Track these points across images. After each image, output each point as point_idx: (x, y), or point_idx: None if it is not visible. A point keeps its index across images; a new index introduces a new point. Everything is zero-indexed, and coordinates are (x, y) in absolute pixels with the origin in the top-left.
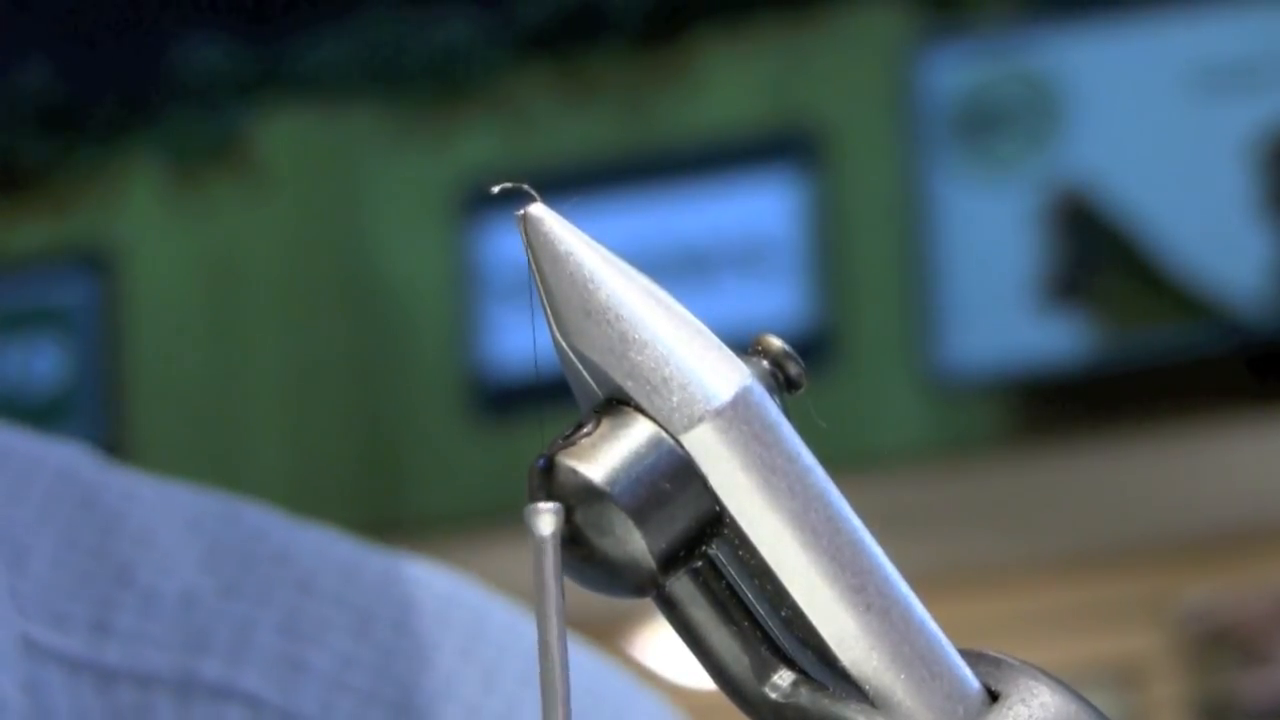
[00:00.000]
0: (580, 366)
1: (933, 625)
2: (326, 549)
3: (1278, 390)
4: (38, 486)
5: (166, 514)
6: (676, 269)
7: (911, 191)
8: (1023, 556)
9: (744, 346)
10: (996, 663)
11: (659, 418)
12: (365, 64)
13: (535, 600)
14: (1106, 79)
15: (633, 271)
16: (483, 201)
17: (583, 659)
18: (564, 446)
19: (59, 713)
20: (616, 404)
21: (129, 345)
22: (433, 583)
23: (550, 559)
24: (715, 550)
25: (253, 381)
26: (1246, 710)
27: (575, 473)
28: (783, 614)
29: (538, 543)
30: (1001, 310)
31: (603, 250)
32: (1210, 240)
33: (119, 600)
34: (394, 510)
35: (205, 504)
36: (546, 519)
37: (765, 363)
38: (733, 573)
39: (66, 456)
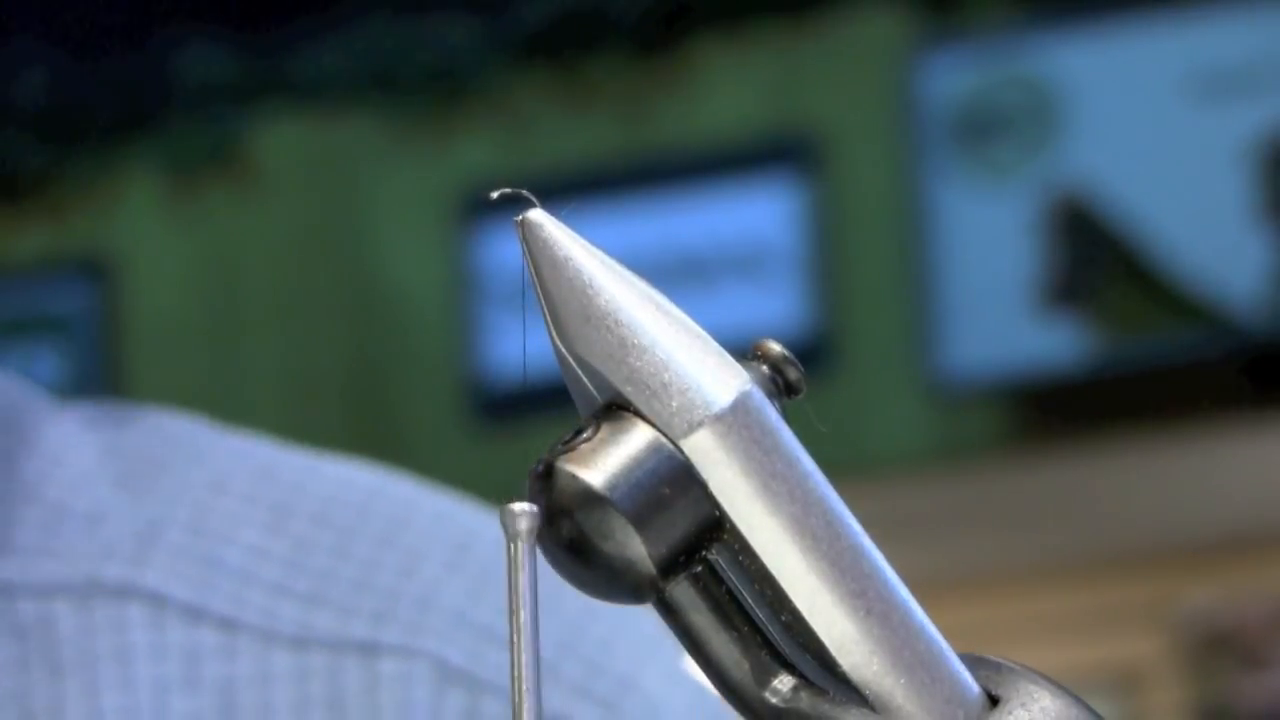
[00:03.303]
0: (579, 372)
1: (933, 630)
2: (243, 450)
3: (1277, 395)
4: None
5: (84, 437)
6: (675, 274)
7: (910, 196)
8: (1022, 561)
9: (743, 352)
10: (996, 667)
11: (658, 423)
12: (364, 70)
13: (507, 601)
14: (1105, 83)
15: (632, 276)
16: (482, 207)
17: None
18: (563, 451)
19: None
20: (616, 409)
21: (128, 353)
22: (355, 477)
23: (525, 559)
24: (715, 555)
25: (252, 389)
26: (1246, 715)
27: (575, 478)
28: (783, 619)
29: (511, 543)
30: (1001, 315)
31: (602, 255)
32: (1209, 245)
33: (22, 517)
34: None
35: (127, 425)
36: (522, 520)
37: (765, 368)
38: (733, 577)
39: None
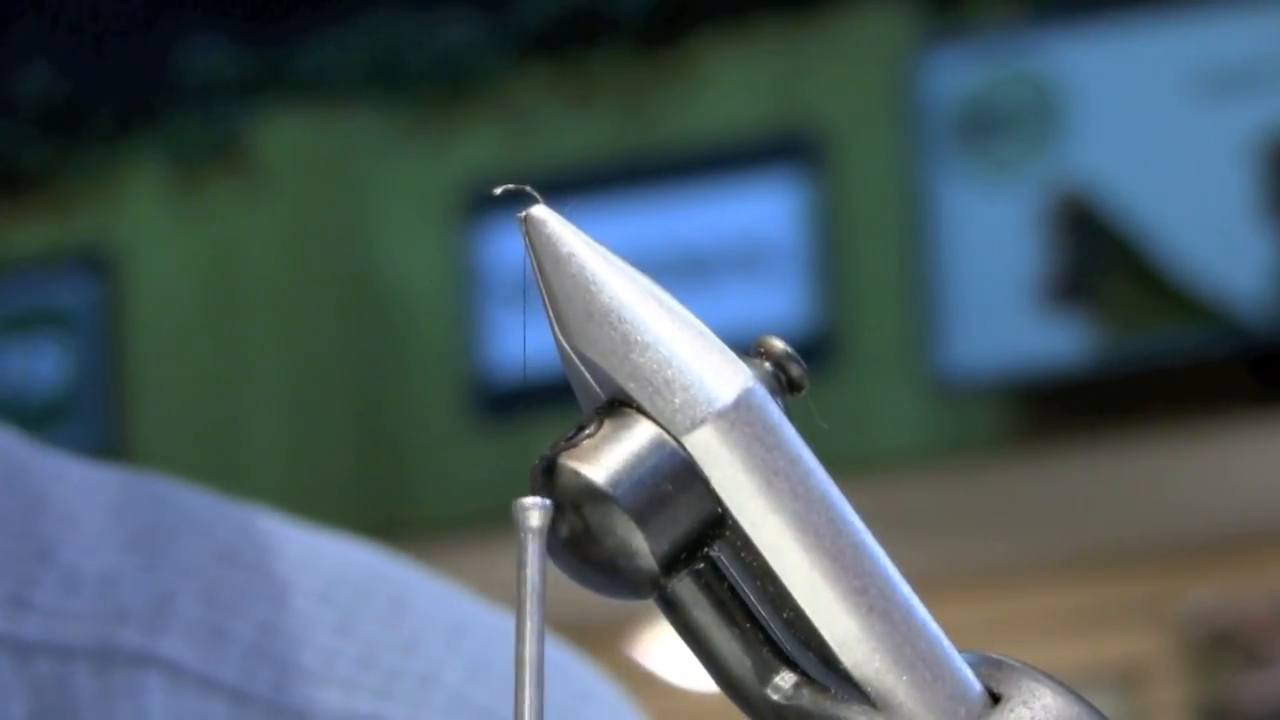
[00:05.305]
0: (582, 368)
1: (935, 627)
2: (249, 523)
3: (1278, 393)
4: None
5: (92, 497)
6: (678, 271)
7: (913, 194)
8: (1025, 559)
9: (746, 348)
10: (998, 665)
11: (661, 419)
12: (367, 66)
13: (516, 594)
14: (1108, 82)
15: (635, 273)
16: (484, 204)
17: (574, 666)
18: (566, 448)
19: None
20: (619, 405)
21: (130, 347)
22: (355, 556)
23: (536, 554)
24: (717, 552)
25: (253, 383)
26: (1248, 712)
27: (577, 474)
28: (785, 616)
29: (523, 537)
30: (1003, 313)
31: (605, 252)
32: (1211, 243)
33: (39, 577)
34: (395, 511)
35: (131, 488)
36: (534, 514)
37: (767, 364)
38: (735, 574)
39: None
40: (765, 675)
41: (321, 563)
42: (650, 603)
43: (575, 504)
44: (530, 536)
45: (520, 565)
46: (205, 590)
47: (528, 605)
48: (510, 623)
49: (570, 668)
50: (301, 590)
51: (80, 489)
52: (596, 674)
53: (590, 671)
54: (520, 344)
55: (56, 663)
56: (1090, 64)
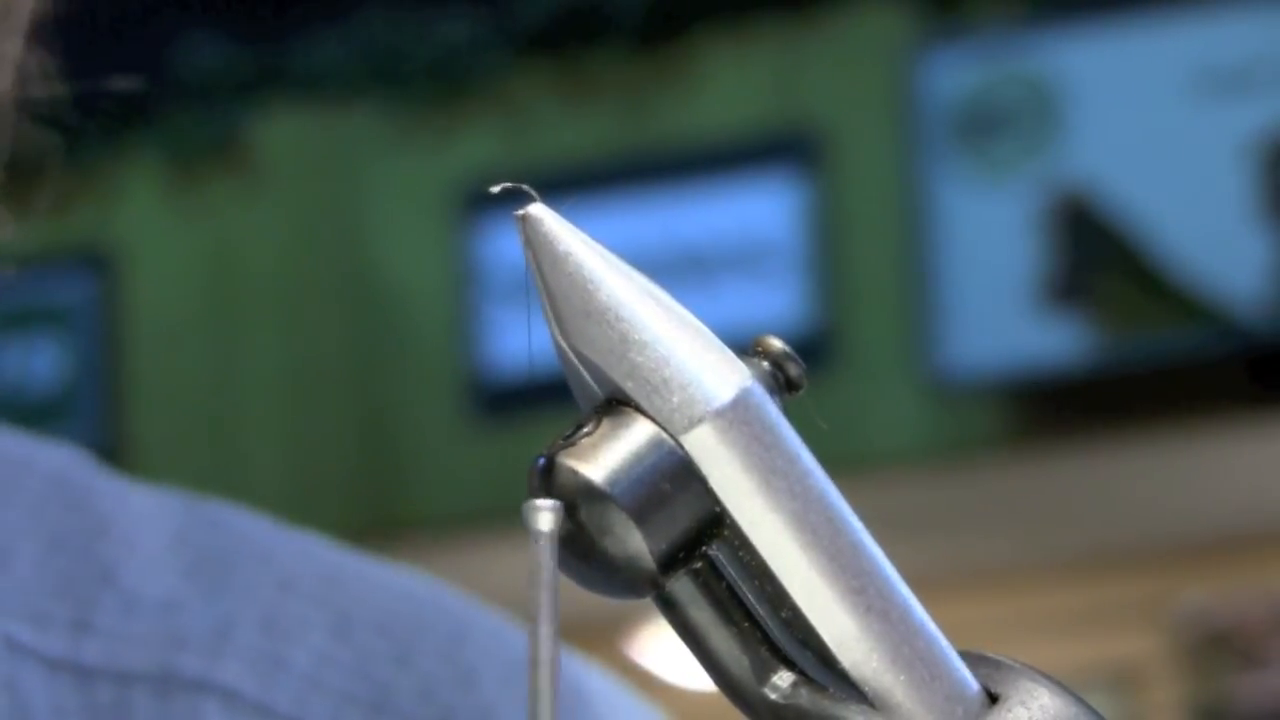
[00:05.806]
0: (580, 367)
1: (932, 627)
2: (309, 552)
3: (1277, 394)
4: (27, 489)
5: (154, 523)
6: (676, 270)
7: (911, 193)
8: (1022, 559)
9: (744, 348)
10: (996, 665)
11: (659, 418)
12: (365, 64)
13: (529, 596)
14: (1106, 82)
15: (632, 272)
16: (483, 202)
17: (568, 660)
18: (564, 447)
19: (38, 711)
20: (617, 404)
21: (128, 345)
22: (414, 589)
23: (548, 556)
24: (715, 551)
25: (251, 381)
26: (1243, 713)
27: (575, 473)
28: (783, 615)
29: (536, 539)
30: (1001, 312)
31: (602, 250)
32: (1210, 243)
33: (100, 600)
34: (392, 510)
35: (192, 514)
36: (546, 516)
37: (765, 364)
38: (733, 573)
39: (58, 460)
40: (763, 674)
41: (380, 594)
42: (649, 602)
43: (573, 503)
44: (542, 539)
45: (535, 567)
46: (264, 618)
47: (544, 607)
48: (563, 656)
49: (592, 682)
50: (359, 621)
51: (142, 514)
52: (596, 673)
53: (591, 673)
54: (521, 343)
55: (116, 687)
56: (1089, 64)
